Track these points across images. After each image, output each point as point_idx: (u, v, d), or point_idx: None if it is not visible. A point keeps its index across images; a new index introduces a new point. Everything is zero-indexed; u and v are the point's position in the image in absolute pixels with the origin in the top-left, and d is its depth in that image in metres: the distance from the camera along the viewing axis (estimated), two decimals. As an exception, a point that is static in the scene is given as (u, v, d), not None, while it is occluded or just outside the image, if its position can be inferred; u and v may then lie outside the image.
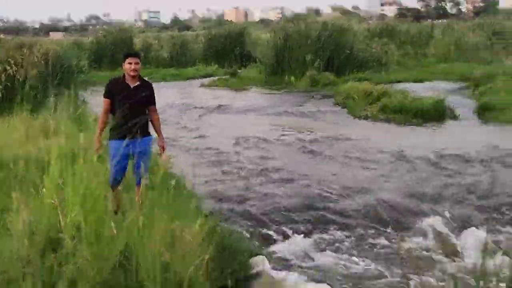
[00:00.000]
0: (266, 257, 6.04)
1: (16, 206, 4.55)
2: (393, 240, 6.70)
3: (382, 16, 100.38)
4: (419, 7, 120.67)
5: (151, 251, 3.78)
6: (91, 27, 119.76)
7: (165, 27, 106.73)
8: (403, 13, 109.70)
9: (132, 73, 6.22)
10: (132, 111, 6.06)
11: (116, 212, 5.69)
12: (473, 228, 6.68)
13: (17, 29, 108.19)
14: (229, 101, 18.63)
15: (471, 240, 6.30)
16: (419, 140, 11.87)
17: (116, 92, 6.27)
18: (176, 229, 4.10)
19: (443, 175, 9.07)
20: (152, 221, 4.02)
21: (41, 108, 11.90)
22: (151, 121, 6.44)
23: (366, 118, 14.67)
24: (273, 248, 6.56)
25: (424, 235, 6.71)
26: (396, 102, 14.70)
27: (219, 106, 17.56)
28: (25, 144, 8.83)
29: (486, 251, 3.68)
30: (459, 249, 6.18)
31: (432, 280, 4.96)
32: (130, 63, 6.25)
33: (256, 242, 6.56)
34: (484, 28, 29.05)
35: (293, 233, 6.98)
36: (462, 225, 6.96)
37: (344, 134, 12.56)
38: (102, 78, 18.40)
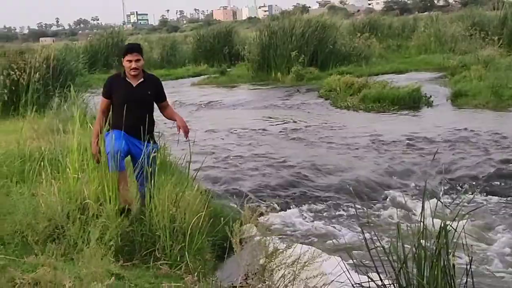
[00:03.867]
0: (255, 225, 7.08)
1: (46, 180, 5.58)
2: (364, 209, 7.76)
3: (370, 10, 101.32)
4: (406, 0, 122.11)
5: (161, 206, 4.83)
6: (80, 31, 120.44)
7: (154, 29, 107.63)
8: (391, 6, 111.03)
9: (132, 73, 5.51)
10: (136, 113, 5.45)
11: (125, 210, 5.23)
12: (434, 199, 7.72)
13: (6, 36, 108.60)
14: (218, 97, 19.62)
15: (429, 208, 7.33)
16: (394, 125, 12.96)
17: (116, 91, 5.63)
18: (179, 191, 5.13)
19: (412, 155, 10.15)
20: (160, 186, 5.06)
21: (45, 109, 12.69)
22: (164, 116, 5.95)
23: (347, 108, 15.73)
24: (260, 219, 7.60)
25: (391, 205, 7.79)
26: (374, 92, 15.77)
27: (209, 103, 18.55)
28: (36, 141, 9.75)
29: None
30: (417, 216, 7.23)
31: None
32: (129, 61, 5.51)
33: (245, 214, 7.58)
34: (465, 19, 30.07)
35: (278, 206, 8.03)
36: (427, 196, 8.01)
37: (326, 123, 13.65)
38: (97, 80, 19.31)
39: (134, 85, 5.62)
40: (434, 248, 4.56)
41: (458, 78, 17.37)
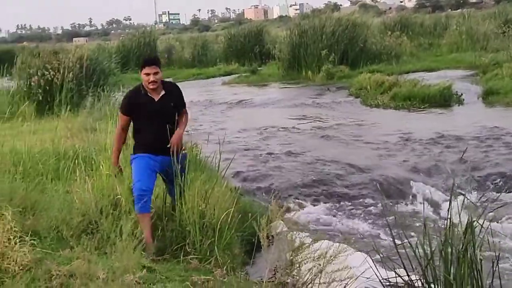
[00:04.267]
0: (283, 222, 7.18)
1: (80, 177, 5.77)
2: (391, 206, 7.82)
3: (402, 8, 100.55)
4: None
5: (191, 202, 4.96)
6: (113, 31, 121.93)
7: (185, 28, 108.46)
8: (423, 3, 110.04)
9: (151, 86, 5.29)
10: (162, 128, 5.22)
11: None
12: (461, 196, 7.73)
13: (40, 36, 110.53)
14: (249, 96, 19.76)
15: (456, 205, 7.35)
16: (424, 123, 12.93)
17: (138, 107, 5.36)
18: (208, 188, 5.26)
19: (441, 152, 10.13)
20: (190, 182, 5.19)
21: (78, 109, 12.96)
22: (180, 120, 5.48)
23: (377, 106, 15.72)
24: (288, 215, 7.70)
25: (418, 202, 7.82)
26: (405, 90, 15.73)
27: (240, 101, 18.70)
28: (70, 139, 9.99)
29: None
30: (444, 212, 7.24)
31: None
32: (147, 74, 5.29)
33: (273, 210, 7.69)
34: (497, 17, 29.72)
35: (307, 203, 8.13)
36: (456, 193, 8.03)
37: (356, 121, 13.68)
38: (129, 80, 19.60)
39: (156, 100, 5.37)
40: (461, 244, 4.62)
41: (490, 76, 17.21)
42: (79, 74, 14.64)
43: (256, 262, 5.75)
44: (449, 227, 4.76)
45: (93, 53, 16.71)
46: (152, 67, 5.34)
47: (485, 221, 4.98)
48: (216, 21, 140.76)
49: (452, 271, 4.58)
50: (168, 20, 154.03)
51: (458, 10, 56.72)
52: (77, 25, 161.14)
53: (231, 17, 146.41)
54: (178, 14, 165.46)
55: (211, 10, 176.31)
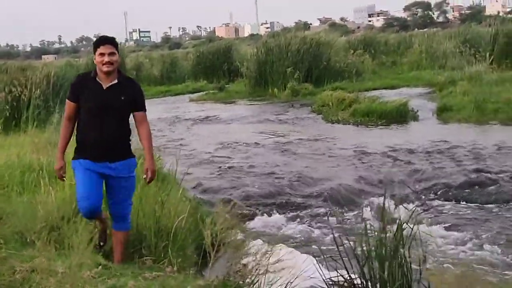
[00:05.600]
0: (242, 230, 7.63)
1: (44, 188, 6.15)
2: (344, 215, 8.33)
3: (370, 27, 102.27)
4: (406, 17, 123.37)
5: (147, 208, 5.39)
6: (82, 48, 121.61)
7: (156, 46, 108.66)
8: (391, 22, 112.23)
9: (105, 68, 4.60)
10: (107, 124, 4.64)
11: (100, 245, 5.02)
12: (406, 204, 8.28)
13: (8, 53, 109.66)
14: (215, 112, 20.21)
15: (402, 213, 7.91)
16: (379, 138, 13.52)
17: (83, 93, 4.68)
18: (164, 194, 5.70)
19: (393, 165, 10.70)
20: (147, 190, 5.62)
21: (45, 125, 13.15)
22: (138, 134, 4.85)
23: (338, 122, 16.30)
24: (247, 224, 8.15)
25: (366, 210, 8.34)
26: (364, 106, 16.37)
27: (206, 117, 19.14)
28: (36, 154, 10.25)
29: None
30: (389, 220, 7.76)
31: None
32: (102, 54, 4.61)
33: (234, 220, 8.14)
34: (457, 36, 30.71)
35: (264, 213, 8.58)
36: (399, 202, 8.57)
37: (316, 136, 14.22)
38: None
39: (104, 88, 4.67)
40: (393, 245, 5.13)
41: (445, 93, 17.95)
42: (46, 91, 14.87)
43: (213, 267, 6.20)
44: (383, 230, 5.29)
45: (61, 70, 17.01)
46: (107, 46, 4.65)
47: (415, 225, 5.52)
48: (187, 38, 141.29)
49: (386, 268, 5.09)
50: (138, 38, 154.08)
51: (425, 29, 58.06)
52: (46, 42, 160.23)
53: (202, 35, 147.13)
54: (149, 31, 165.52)
55: (182, 27, 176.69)
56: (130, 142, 4.91)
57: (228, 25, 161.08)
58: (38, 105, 14.48)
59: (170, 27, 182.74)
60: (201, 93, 27.25)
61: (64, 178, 5.00)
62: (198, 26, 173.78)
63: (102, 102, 4.64)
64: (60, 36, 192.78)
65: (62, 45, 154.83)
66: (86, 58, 37.19)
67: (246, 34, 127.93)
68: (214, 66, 33.19)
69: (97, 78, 4.68)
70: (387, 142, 12.78)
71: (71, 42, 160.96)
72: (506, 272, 5.84)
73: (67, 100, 4.81)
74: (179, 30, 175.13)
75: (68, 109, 4.77)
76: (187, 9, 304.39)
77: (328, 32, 41.65)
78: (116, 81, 4.71)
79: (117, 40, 4.98)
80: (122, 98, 4.69)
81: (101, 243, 5.07)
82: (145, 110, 4.88)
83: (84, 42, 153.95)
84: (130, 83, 4.86)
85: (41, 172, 7.33)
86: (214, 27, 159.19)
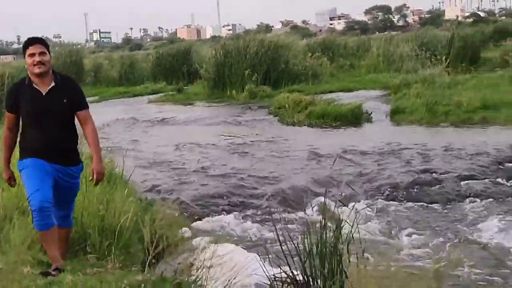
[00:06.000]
0: (189, 229, 7.74)
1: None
2: (291, 214, 8.50)
3: (332, 30, 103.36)
4: (367, 20, 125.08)
5: (92, 208, 5.46)
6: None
7: (117, 47, 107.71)
8: (352, 26, 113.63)
9: (36, 70, 4.44)
10: (51, 130, 4.50)
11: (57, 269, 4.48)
12: (352, 203, 8.48)
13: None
14: (173, 114, 20.22)
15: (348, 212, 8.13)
16: (333, 140, 13.77)
17: (22, 103, 4.52)
18: (109, 194, 5.77)
19: (344, 166, 10.92)
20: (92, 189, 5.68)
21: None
22: (84, 134, 4.72)
23: (293, 124, 16.50)
24: (196, 224, 8.26)
25: (315, 209, 8.53)
26: (319, 109, 16.61)
27: (164, 119, 19.16)
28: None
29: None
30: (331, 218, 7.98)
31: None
32: (32, 54, 4.47)
33: (183, 220, 8.24)
34: (414, 40, 31.30)
35: (213, 212, 8.71)
36: (347, 200, 8.78)
37: (271, 138, 14.40)
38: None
39: (43, 93, 4.50)
40: (332, 242, 5.32)
41: (399, 96, 18.33)
42: (0, 92, 14.77)
43: (160, 265, 6.29)
44: (323, 228, 5.47)
45: (16, 71, 16.86)
46: (37, 46, 4.51)
47: (355, 223, 5.71)
48: (148, 40, 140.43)
49: (326, 265, 5.27)
50: (99, 39, 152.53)
51: (386, 33, 58.94)
52: (4, 43, 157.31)
53: (164, 36, 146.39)
54: (110, 32, 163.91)
55: (143, 29, 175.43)
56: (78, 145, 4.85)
57: (190, 27, 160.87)
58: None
59: (131, 28, 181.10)
60: (160, 94, 27.20)
61: (13, 184, 4.93)
62: (159, 28, 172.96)
63: (42, 108, 4.49)
64: (19, 36, 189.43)
65: (21, 45, 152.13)
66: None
67: (208, 36, 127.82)
68: (174, 68, 33.06)
69: (33, 84, 4.53)
70: (340, 143, 13.02)
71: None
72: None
73: (6, 111, 4.65)
74: (140, 31, 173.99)
75: (8, 120, 4.65)
76: (149, 10, 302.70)
77: (289, 35, 41.92)
78: (53, 84, 4.55)
79: (48, 42, 4.87)
80: (64, 101, 4.55)
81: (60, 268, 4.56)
82: (87, 108, 4.73)
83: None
84: (68, 84, 4.69)
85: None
86: (176, 29, 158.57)
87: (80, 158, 4.86)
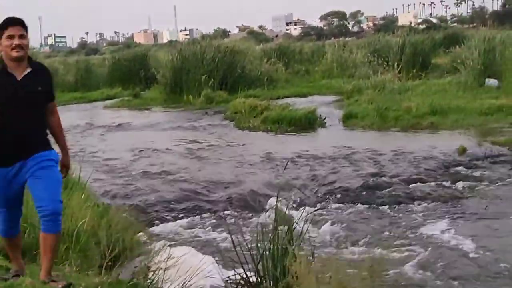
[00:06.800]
0: (145, 234, 7.89)
1: None
2: (245, 218, 8.76)
3: (288, 36, 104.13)
4: (322, 26, 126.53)
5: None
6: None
7: (72, 52, 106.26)
8: (308, 31, 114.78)
9: (14, 53, 4.06)
10: (25, 120, 4.12)
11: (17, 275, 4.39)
12: (303, 206, 8.77)
13: None
14: (129, 119, 20.26)
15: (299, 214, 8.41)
16: (287, 144, 14.09)
17: None
18: (65, 200, 5.89)
19: (297, 170, 11.22)
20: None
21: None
22: (49, 126, 4.38)
23: (249, 129, 16.75)
24: (152, 228, 8.42)
25: (268, 213, 8.79)
26: (274, 114, 16.91)
27: (120, 125, 19.17)
28: None
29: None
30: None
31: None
32: (10, 37, 4.07)
33: (139, 225, 8.39)
34: (367, 46, 31.96)
35: (170, 217, 8.89)
36: (299, 204, 9.08)
37: (226, 143, 14.64)
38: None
39: (18, 79, 4.12)
40: (284, 244, 5.57)
41: (352, 101, 18.80)
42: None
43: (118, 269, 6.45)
44: (275, 230, 5.72)
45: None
46: (17, 28, 4.11)
47: (306, 224, 5.99)
48: (104, 44, 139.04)
49: (277, 266, 5.51)
50: (54, 43, 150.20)
51: (341, 39, 59.71)
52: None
53: (120, 41, 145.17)
54: (65, 37, 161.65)
55: (99, 33, 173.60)
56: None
57: (146, 31, 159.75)
58: None
59: (87, 33, 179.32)
60: (116, 100, 27.13)
61: None
62: (116, 32, 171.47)
63: (18, 95, 4.09)
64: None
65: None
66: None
67: (165, 41, 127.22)
68: (131, 73, 32.87)
69: (8, 69, 4.12)
70: (294, 148, 13.32)
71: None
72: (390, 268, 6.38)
73: None
74: (96, 35, 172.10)
75: None
76: (104, 14, 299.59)
77: (246, 40, 42.28)
78: (30, 69, 4.18)
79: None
80: (39, 88, 4.20)
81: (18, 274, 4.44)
82: (54, 99, 4.45)
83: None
84: (43, 71, 4.34)
85: None
86: (133, 33, 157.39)
87: (50, 146, 4.37)
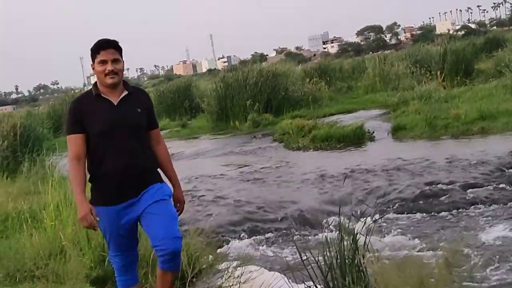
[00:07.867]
0: (216, 254, 8.18)
1: (27, 230, 6.63)
2: (308, 233, 8.96)
3: (326, 54, 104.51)
4: (359, 41, 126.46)
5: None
6: (41, 96, 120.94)
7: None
8: (345, 48, 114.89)
9: (109, 80, 3.79)
10: (126, 148, 3.79)
11: None
12: (363, 218, 8.91)
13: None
14: (181, 149, 20.71)
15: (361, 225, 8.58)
16: (338, 160, 14.25)
17: (89, 118, 3.78)
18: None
19: (352, 184, 11.38)
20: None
21: (16, 175, 13.49)
22: (158, 155, 4.06)
23: (299, 149, 16.99)
24: (220, 250, 8.69)
25: (329, 228, 8.98)
26: (322, 132, 17.12)
27: (172, 155, 19.50)
28: (13, 202, 10.63)
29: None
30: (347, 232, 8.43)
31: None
32: (103, 62, 3.80)
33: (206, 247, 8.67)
34: (408, 57, 31.92)
35: (232, 239, 9.15)
36: (360, 216, 9.22)
37: (278, 164, 14.88)
38: (63, 144, 20.23)
39: (115, 103, 3.83)
40: (350, 254, 5.76)
41: (398, 113, 18.86)
42: (13, 142, 15.23)
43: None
44: (341, 241, 5.92)
45: (26, 120, 17.35)
46: (110, 51, 3.80)
47: (369, 234, 6.16)
48: (145, 78, 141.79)
49: (346, 276, 5.70)
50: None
51: (379, 52, 59.65)
52: (3, 94, 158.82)
53: (160, 74, 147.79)
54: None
55: (139, 68, 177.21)
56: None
57: (185, 62, 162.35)
58: (7, 156, 14.81)
59: (128, 69, 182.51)
60: (165, 131, 27.70)
61: (96, 226, 3.81)
62: (155, 65, 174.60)
63: (117, 120, 3.79)
64: (17, 86, 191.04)
65: (20, 95, 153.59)
66: (46, 106, 37.40)
67: (204, 70, 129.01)
68: (176, 104, 33.57)
69: (102, 95, 3.85)
70: (345, 163, 13.49)
71: (29, 91, 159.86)
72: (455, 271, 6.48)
73: (69, 136, 3.85)
74: (137, 71, 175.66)
75: (74, 145, 3.80)
76: (143, 49, 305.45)
77: (285, 61, 42.66)
78: (126, 92, 3.91)
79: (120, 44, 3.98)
80: (139, 110, 3.91)
81: None
82: (158, 125, 4.17)
83: (41, 90, 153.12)
84: (141, 93, 4.09)
85: (22, 216, 7.80)
86: (172, 65, 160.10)
87: (161, 178, 4.09)
